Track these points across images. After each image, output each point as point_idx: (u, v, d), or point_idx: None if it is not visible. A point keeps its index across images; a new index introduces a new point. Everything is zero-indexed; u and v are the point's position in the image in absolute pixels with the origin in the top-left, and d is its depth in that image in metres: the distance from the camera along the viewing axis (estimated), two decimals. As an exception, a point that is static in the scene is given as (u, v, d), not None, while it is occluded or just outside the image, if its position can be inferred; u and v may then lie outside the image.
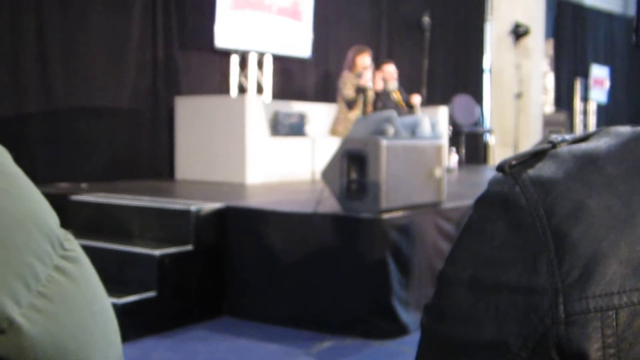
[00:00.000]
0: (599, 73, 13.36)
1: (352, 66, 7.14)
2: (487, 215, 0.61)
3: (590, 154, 0.58)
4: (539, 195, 0.57)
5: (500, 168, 0.62)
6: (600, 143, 0.59)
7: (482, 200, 0.63)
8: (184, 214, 4.37)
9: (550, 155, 0.60)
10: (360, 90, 6.93)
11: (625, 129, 0.61)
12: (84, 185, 5.78)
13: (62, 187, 5.66)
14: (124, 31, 6.57)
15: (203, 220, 4.41)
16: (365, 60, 7.13)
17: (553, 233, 0.55)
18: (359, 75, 6.98)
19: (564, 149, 0.60)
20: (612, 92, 13.80)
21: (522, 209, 0.57)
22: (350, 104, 6.99)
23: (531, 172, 0.59)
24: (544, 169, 0.59)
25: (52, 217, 0.54)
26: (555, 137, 0.63)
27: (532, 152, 0.61)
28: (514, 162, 0.61)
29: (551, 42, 12.07)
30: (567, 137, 0.63)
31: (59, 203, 4.85)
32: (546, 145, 0.62)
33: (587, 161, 0.58)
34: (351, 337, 3.96)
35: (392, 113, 6.84)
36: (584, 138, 0.62)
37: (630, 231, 0.53)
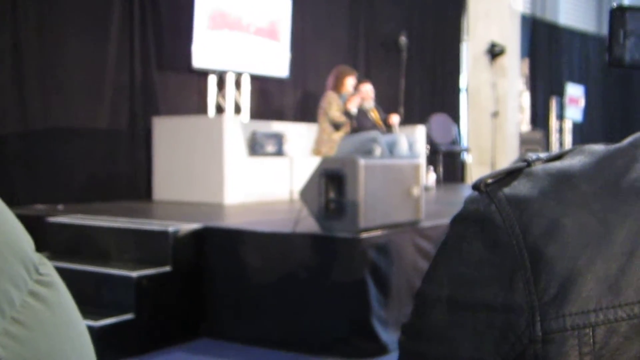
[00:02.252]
0: (574, 92, 13.48)
1: (338, 86, 7.16)
2: (463, 233, 0.61)
3: (565, 172, 0.59)
4: (515, 213, 0.57)
5: (476, 186, 0.63)
6: (574, 161, 0.60)
7: (458, 219, 0.63)
8: (162, 235, 4.35)
9: (525, 173, 0.61)
10: (347, 113, 6.97)
11: (599, 147, 0.61)
12: (60, 206, 5.73)
13: (39, 208, 5.61)
14: (101, 52, 6.55)
15: (181, 241, 4.38)
16: (352, 82, 7.18)
17: (529, 251, 0.55)
18: (346, 97, 7.02)
19: (538, 167, 0.61)
20: (587, 111, 13.93)
21: (498, 228, 0.57)
22: (338, 126, 7.02)
23: (507, 190, 0.59)
24: (519, 187, 0.59)
25: (26, 241, 0.53)
26: (530, 156, 0.63)
27: (507, 170, 0.62)
28: (489, 181, 0.61)
29: (527, 62, 12.17)
30: (542, 155, 0.63)
31: (35, 225, 4.81)
32: (521, 164, 0.62)
33: (561, 179, 0.58)
34: (332, 358, 3.94)
35: (377, 133, 6.88)
36: (559, 156, 0.62)
37: (606, 249, 0.53)
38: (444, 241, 0.64)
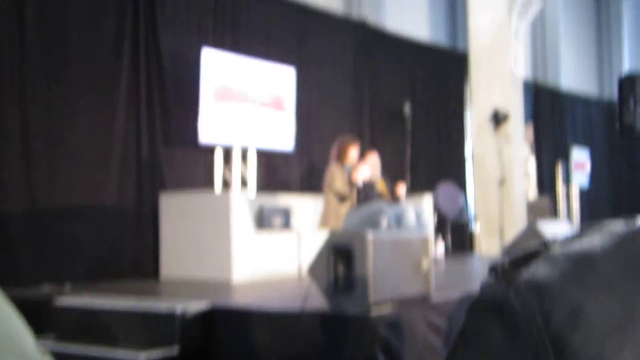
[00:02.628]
0: (580, 156, 13.52)
1: (341, 157, 7.16)
2: (481, 322, 0.59)
3: (585, 254, 0.57)
4: (535, 299, 0.55)
5: (492, 271, 0.60)
6: (594, 242, 0.58)
7: (476, 306, 0.61)
8: (169, 315, 4.29)
9: (543, 257, 0.59)
10: (353, 184, 6.97)
11: (619, 226, 0.59)
12: (67, 286, 5.69)
13: (45, 289, 5.57)
14: (108, 127, 6.62)
15: (189, 321, 4.32)
16: (355, 151, 7.19)
17: (552, 341, 0.52)
18: (350, 168, 7.02)
19: (556, 250, 0.59)
20: (592, 176, 13.95)
21: (518, 315, 0.55)
22: (343, 198, 7.01)
23: (525, 275, 0.57)
24: (538, 271, 0.57)
25: (28, 338, 0.52)
26: (548, 238, 0.61)
27: (524, 253, 0.60)
28: (506, 265, 0.59)
29: (531, 127, 12.24)
30: (559, 237, 0.61)
31: (42, 306, 4.77)
32: (539, 247, 0.60)
33: (582, 262, 0.56)
34: None
35: (384, 204, 6.86)
36: (577, 237, 0.60)
37: (632, 336, 0.51)
38: (461, 330, 0.61)
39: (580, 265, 0.56)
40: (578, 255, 0.57)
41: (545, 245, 0.60)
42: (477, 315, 0.60)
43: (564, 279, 0.55)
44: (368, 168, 7.15)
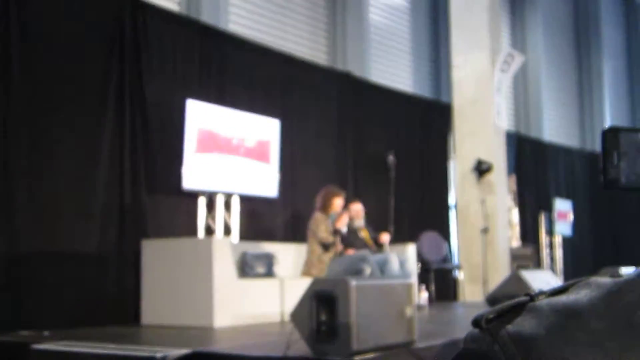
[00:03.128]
0: (562, 207, 13.59)
1: (326, 207, 7.19)
2: (465, 376, 0.57)
3: (572, 307, 0.56)
4: (520, 353, 0.54)
5: (476, 323, 0.59)
6: (580, 296, 0.57)
7: (460, 359, 0.60)
8: (150, 361, 4.23)
9: (528, 309, 0.58)
10: (337, 232, 6.97)
11: (605, 281, 0.58)
12: (46, 332, 5.60)
13: (23, 335, 5.48)
14: (91, 173, 6.58)
15: (169, 367, 4.25)
16: (340, 202, 7.22)
17: None
18: (334, 217, 7.03)
19: (542, 302, 0.58)
20: (576, 225, 14.01)
21: (503, 370, 0.54)
22: (327, 247, 7.00)
23: (510, 328, 0.56)
24: (524, 324, 0.56)
25: None
26: (533, 290, 0.60)
27: (509, 305, 0.59)
28: (490, 317, 0.58)
29: (514, 178, 12.32)
30: (545, 289, 0.60)
31: (19, 352, 4.69)
32: (524, 299, 0.59)
33: (569, 316, 0.55)
34: None
35: (367, 253, 6.86)
36: (563, 290, 0.59)
37: None
38: (447, 383, 0.60)
39: (567, 319, 0.55)
40: (565, 308, 0.56)
41: (530, 297, 0.59)
42: (462, 368, 0.59)
43: (550, 333, 0.54)
44: (348, 217, 7.17)
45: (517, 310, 0.58)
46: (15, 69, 6.06)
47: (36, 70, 6.23)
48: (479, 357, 0.57)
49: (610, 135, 0.77)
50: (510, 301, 0.59)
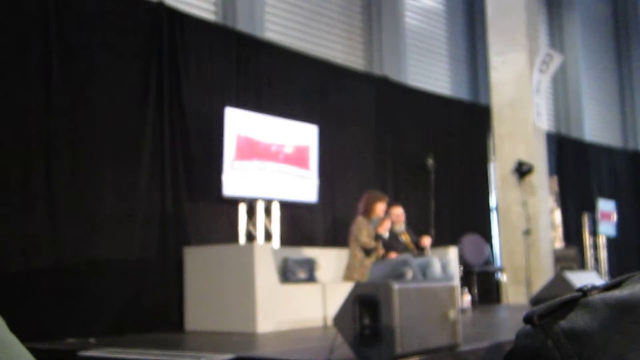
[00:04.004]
0: (606, 207, 13.41)
1: (368, 211, 7.19)
2: (519, 373, 0.57)
3: (627, 302, 0.55)
4: (575, 349, 0.53)
5: (528, 319, 0.59)
6: (635, 290, 0.56)
7: (512, 357, 0.59)
8: (194, 367, 4.26)
9: (581, 304, 0.57)
10: (379, 237, 6.96)
11: (660, 275, 0.58)
12: (92, 340, 5.67)
13: (70, 342, 5.55)
14: (132, 182, 6.65)
15: (214, 373, 4.28)
16: (382, 207, 7.21)
17: None
18: (376, 221, 7.02)
19: (595, 297, 0.57)
20: (620, 225, 13.80)
21: (557, 366, 0.53)
22: (369, 252, 7.00)
23: (563, 323, 0.56)
24: (577, 319, 0.55)
25: None
26: (585, 285, 0.60)
27: (561, 301, 0.58)
28: (542, 313, 0.58)
29: (555, 179, 12.18)
30: (597, 284, 0.60)
31: (66, 359, 4.75)
32: (576, 294, 0.59)
33: (623, 310, 0.54)
34: None
35: (409, 256, 6.83)
36: (616, 285, 0.59)
37: None
38: (499, 381, 0.60)
39: (622, 314, 0.54)
40: (619, 303, 0.55)
41: (582, 292, 0.59)
42: (514, 366, 0.59)
43: (604, 328, 0.54)
44: (390, 222, 7.15)
45: (569, 305, 0.57)
46: (55, 80, 6.16)
47: (76, 81, 6.32)
48: (532, 353, 0.56)
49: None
50: (562, 297, 0.59)
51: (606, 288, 0.58)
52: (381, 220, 7.09)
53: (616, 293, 0.56)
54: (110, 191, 6.48)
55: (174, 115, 7.09)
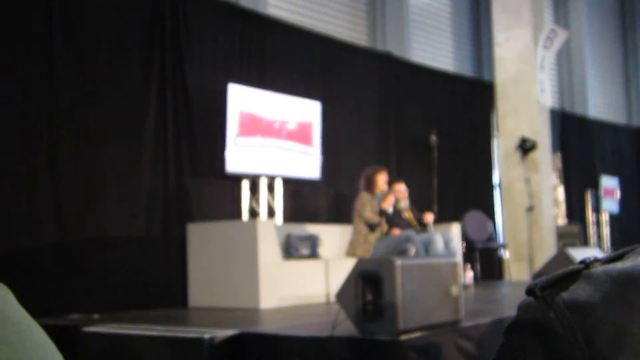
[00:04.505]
0: (609, 184, 13.40)
1: (370, 186, 7.19)
2: (520, 344, 0.57)
3: (629, 274, 0.55)
4: (576, 320, 0.53)
5: (530, 291, 0.59)
6: (638, 262, 0.56)
7: (514, 328, 0.59)
8: (198, 342, 4.28)
9: (584, 276, 0.57)
10: (383, 212, 6.96)
11: (662, 247, 0.58)
12: (96, 315, 5.71)
13: (74, 318, 5.59)
14: (135, 159, 6.66)
15: (217, 347, 4.31)
16: (384, 178, 7.21)
17: None
18: (380, 197, 7.03)
19: (597, 269, 0.57)
20: (623, 202, 13.80)
21: (559, 337, 0.53)
22: (373, 227, 7.00)
23: (565, 295, 0.56)
24: (579, 291, 0.55)
25: None
26: (588, 257, 0.60)
27: (564, 273, 0.58)
28: (545, 285, 0.58)
29: (559, 155, 12.17)
30: (600, 256, 0.60)
31: (70, 335, 4.79)
32: (579, 266, 0.59)
33: (625, 282, 0.54)
34: None
35: (412, 233, 6.84)
36: (619, 257, 0.59)
37: None
38: (499, 353, 0.60)
39: (624, 285, 0.54)
40: (621, 275, 0.55)
41: (585, 264, 0.59)
42: (516, 338, 0.58)
43: (606, 299, 0.54)
44: (394, 197, 7.16)
45: (572, 277, 0.57)
46: (58, 59, 6.14)
47: (78, 59, 6.31)
48: (534, 325, 0.57)
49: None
50: (564, 269, 0.59)
51: (608, 260, 0.58)
52: (385, 195, 7.10)
53: (618, 265, 0.57)
54: (114, 168, 6.49)
55: (177, 92, 7.07)
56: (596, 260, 0.59)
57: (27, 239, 5.83)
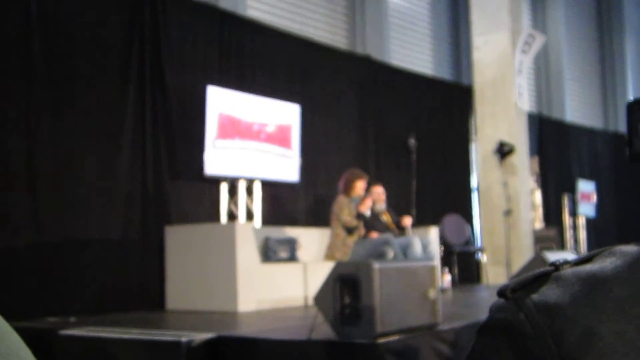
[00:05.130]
0: (586, 188, 13.51)
1: (348, 190, 7.20)
2: (491, 345, 0.58)
3: (597, 276, 0.56)
4: (546, 322, 0.54)
5: (501, 293, 0.60)
6: (605, 264, 0.57)
7: (485, 329, 0.60)
8: (175, 345, 4.26)
9: (553, 278, 0.58)
10: (360, 216, 6.97)
11: (631, 249, 0.58)
12: (72, 319, 5.67)
13: (50, 321, 5.54)
14: (114, 161, 6.62)
15: (194, 351, 4.29)
16: (363, 185, 7.22)
17: None
18: (358, 201, 7.04)
19: (567, 271, 0.58)
20: (599, 206, 13.91)
21: (529, 338, 0.54)
22: (351, 230, 7.01)
23: (535, 297, 0.56)
24: (549, 293, 0.56)
25: None
26: (558, 259, 0.60)
27: (534, 275, 0.59)
28: (515, 287, 0.58)
29: (536, 159, 12.25)
30: (570, 258, 0.61)
31: (46, 338, 4.75)
32: (549, 268, 0.59)
33: (594, 284, 0.55)
34: None
35: (390, 236, 6.86)
36: (588, 259, 0.59)
37: None
38: (471, 353, 0.60)
39: (592, 287, 0.55)
40: (589, 277, 0.56)
41: (555, 267, 0.59)
42: (487, 339, 0.59)
43: (575, 301, 0.54)
44: (371, 201, 7.17)
45: (542, 279, 0.58)
46: (35, 57, 6.10)
47: (57, 58, 6.27)
48: (505, 326, 0.57)
49: (636, 108, 0.77)
50: (535, 271, 0.59)
51: (578, 262, 0.59)
52: (362, 199, 7.11)
53: (587, 267, 0.57)
54: (92, 169, 6.45)
55: (155, 93, 7.05)
56: (566, 262, 0.60)
57: (3, 240, 5.78)
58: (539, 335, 0.54)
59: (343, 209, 7.10)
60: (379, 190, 7.66)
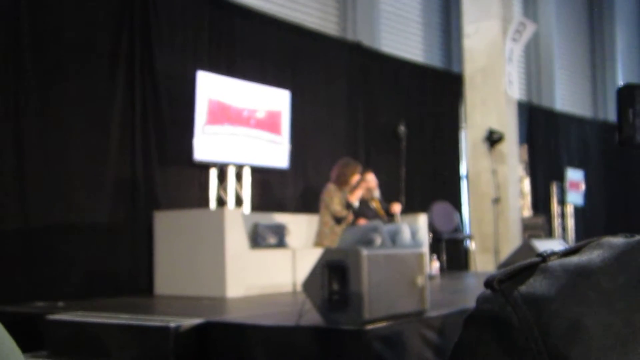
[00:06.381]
0: (574, 176, 13.56)
1: (342, 181, 7.16)
2: (477, 337, 0.58)
3: (584, 268, 0.56)
4: (532, 314, 0.54)
5: (488, 284, 0.59)
6: (593, 256, 0.57)
7: (472, 320, 0.60)
8: (163, 330, 4.27)
9: (541, 269, 0.58)
10: (349, 206, 6.97)
11: (618, 240, 0.58)
12: (61, 303, 5.66)
13: (38, 306, 5.53)
14: (102, 146, 6.60)
15: (182, 336, 4.29)
16: (357, 178, 7.21)
17: (550, 355, 0.51)
18: (348, 191, 7.03)
19: (554, 262, 0.58)
20: (588, 195, 13.97)
21: (515, 330, 0.54)
22: (339, 220, 7.01)
23: (522, 288, 0.56)
24: (536, 285, 0.56)
25: (15, 355, 0.50)
26: (545, 251, 0.60)
27: (521, 266, 0.59)
28: (502, 278, 0.58)
29: (525, 148, 12.28)
30: (557, 250, 0.60)
31: (34, 323, 4.75)
32: (536, 259, 0.59)
33: (580, 276, 0.55)
34: None
35: (379, 223, 6.86)
36: (575, 250, 0.59)
37: (633, 352, 0.50)
38: (457, 345, 0.60)
39: (579, 279, 0.55)
40: (577, 269, 0.56)
41: (542, 258, 0.59)
42: (473, 330, 0.59)
43: (562, 293, 0.54)
44: (362, 191, 7.17)
45: (529, 271, 0.58)
46: (24, 41, 6.06)
47: (46, 43, 6.23)
48: (491, 318, 0.57)
49: (626, 93, 0.77)
50: (522, 262, 0.59)
51: (565, 254, 0.59)
52: (353, 189, 7.10)
53: (574, 259, 0.57)
54: (80, 154, 6.42)
55: (145, 78, 7.01)
56: (553, 253, 0.59)
57: (-10, 225, 5.76)
58: (525, 327, 0.54)
59: (333, 198, 7.09)
60: (370, 178, 7.65)
